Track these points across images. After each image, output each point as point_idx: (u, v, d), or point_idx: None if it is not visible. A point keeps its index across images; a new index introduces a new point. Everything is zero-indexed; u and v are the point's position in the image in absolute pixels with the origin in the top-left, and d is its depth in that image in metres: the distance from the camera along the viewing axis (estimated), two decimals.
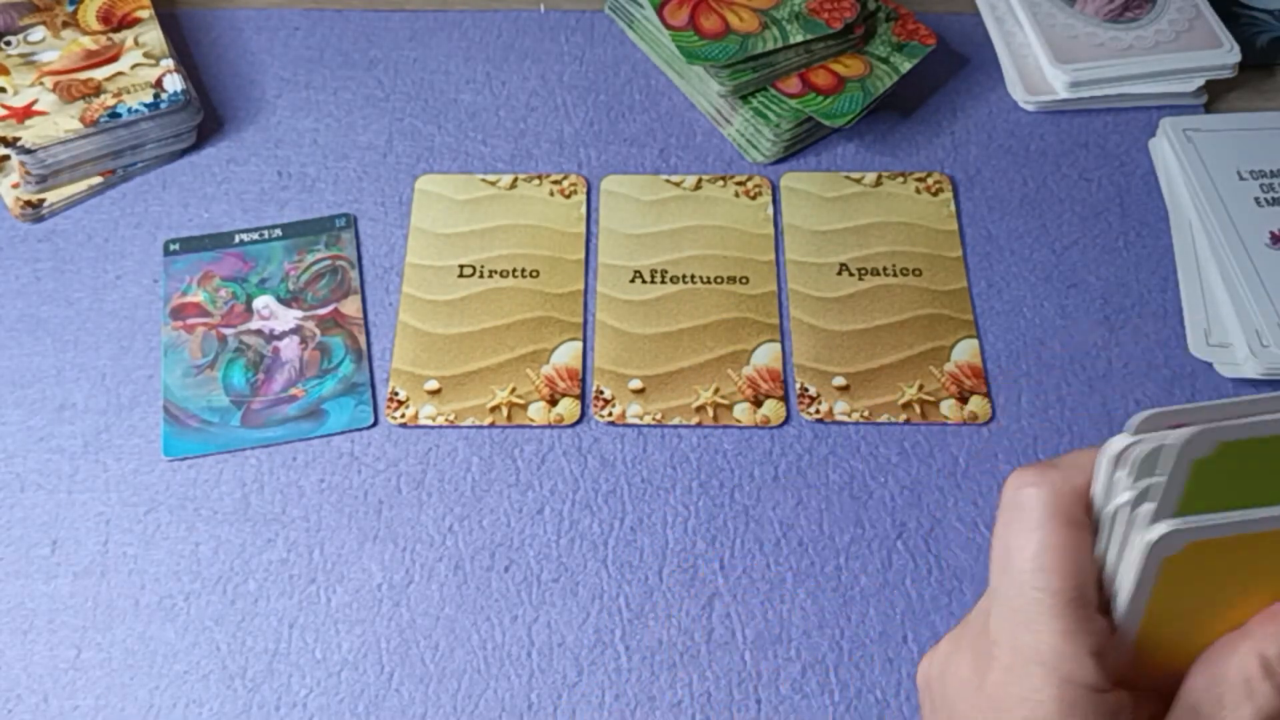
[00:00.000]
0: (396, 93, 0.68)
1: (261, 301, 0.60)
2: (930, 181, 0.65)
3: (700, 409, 0.56)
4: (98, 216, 0.63)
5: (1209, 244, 0.61)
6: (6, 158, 0.63)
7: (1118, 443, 0.27)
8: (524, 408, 0.56)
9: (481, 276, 0.61)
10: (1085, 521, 0.28)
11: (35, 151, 0.61)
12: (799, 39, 0.64)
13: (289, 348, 0.58)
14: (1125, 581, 0.28)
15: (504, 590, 0.52)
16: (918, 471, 0.55)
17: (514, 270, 0.61)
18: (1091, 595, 0.27)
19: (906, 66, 0.66)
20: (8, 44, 0.65)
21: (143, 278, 0.61)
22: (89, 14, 0.67)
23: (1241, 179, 0.63)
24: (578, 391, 0.57)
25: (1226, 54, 0.67)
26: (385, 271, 0.61)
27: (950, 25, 0.72)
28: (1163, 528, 0.27)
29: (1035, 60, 0.69)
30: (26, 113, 0.62)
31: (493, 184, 0.64)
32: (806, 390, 0.57)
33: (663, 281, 0.61)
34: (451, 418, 0.56)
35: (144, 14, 0.67)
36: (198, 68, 0.69)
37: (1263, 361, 0.56)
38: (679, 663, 0.50)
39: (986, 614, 0.29)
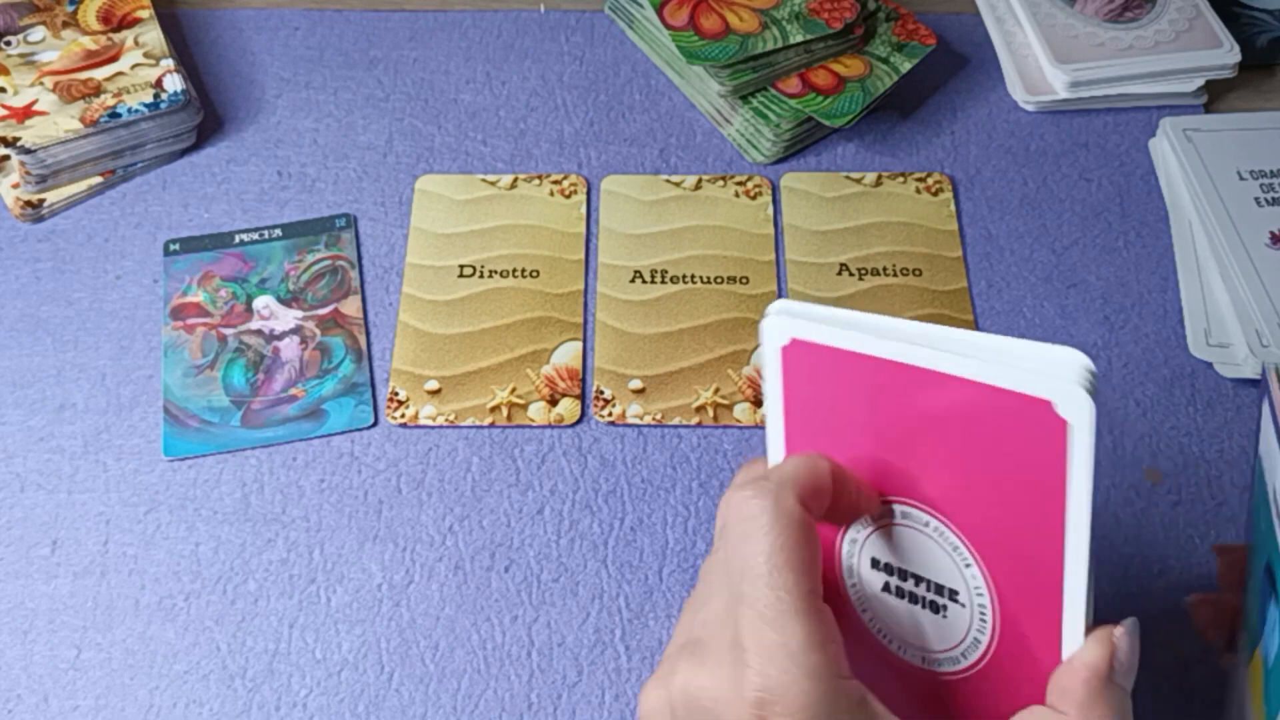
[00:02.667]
0: (396, 93, 0.68)
1: (261, 301, 0.60)
2: (930, 181, 0.65)
3: (700, 409, 0.56)
4: (98, 216, 0.63)
5: (1209, 244, 0.61)
6: (6, 158, 0.63)
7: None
8: (524, 408, 0.56)
9: (481, 276, 0.61)
10: (808, 520, 0.31)
11: (35, 151, 0.61)
12: (799, 39, 0.64)
13: (289, 348, 0.58)
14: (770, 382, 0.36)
15: (504, 590, 0.52)
16: None
17: (514, 270, 0.61)
18: (819, 586, 0.31)
19: (906, 66, 0.66)
20: (8, 44, 0.65)
21: (143, 278, 0.61)
22: (89, 14, 0.67)
23: (1241, 179, 0.63)
24: (578, 391, 0.57)
25: (1226, 54, 0.67)
26: (385, 271, 0.61)
27: (950, 25, 0.72)
28: (773, 310, 0.35)
29: (1035, 60, 0.69)
30: (26, 113, 0.62)
31: (493, 184, 0.64)
32: None
33: (663, 281, 0.61)
34: (451, 418, 0.56)
35: (144, 14, 0.67)
36: (198, 68, 0.69)
37: (1263, 361, 0.56)
38: None
39: (725, 624, 0.30)
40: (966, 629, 0.35)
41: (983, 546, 0.34)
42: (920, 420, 0.34)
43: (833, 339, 0.34)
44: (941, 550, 0.35)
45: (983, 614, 0.34)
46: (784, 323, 0.35)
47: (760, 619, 0.29)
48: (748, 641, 0.29)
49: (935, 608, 0.35)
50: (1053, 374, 0.31)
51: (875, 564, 0.36)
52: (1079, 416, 0.31)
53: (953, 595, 0.35)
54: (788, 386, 0.36)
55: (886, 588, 0.36)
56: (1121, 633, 0.31)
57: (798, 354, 0.35)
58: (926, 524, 0.35)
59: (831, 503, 0.33)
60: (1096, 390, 0.30)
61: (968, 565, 0.34)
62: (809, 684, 0.29)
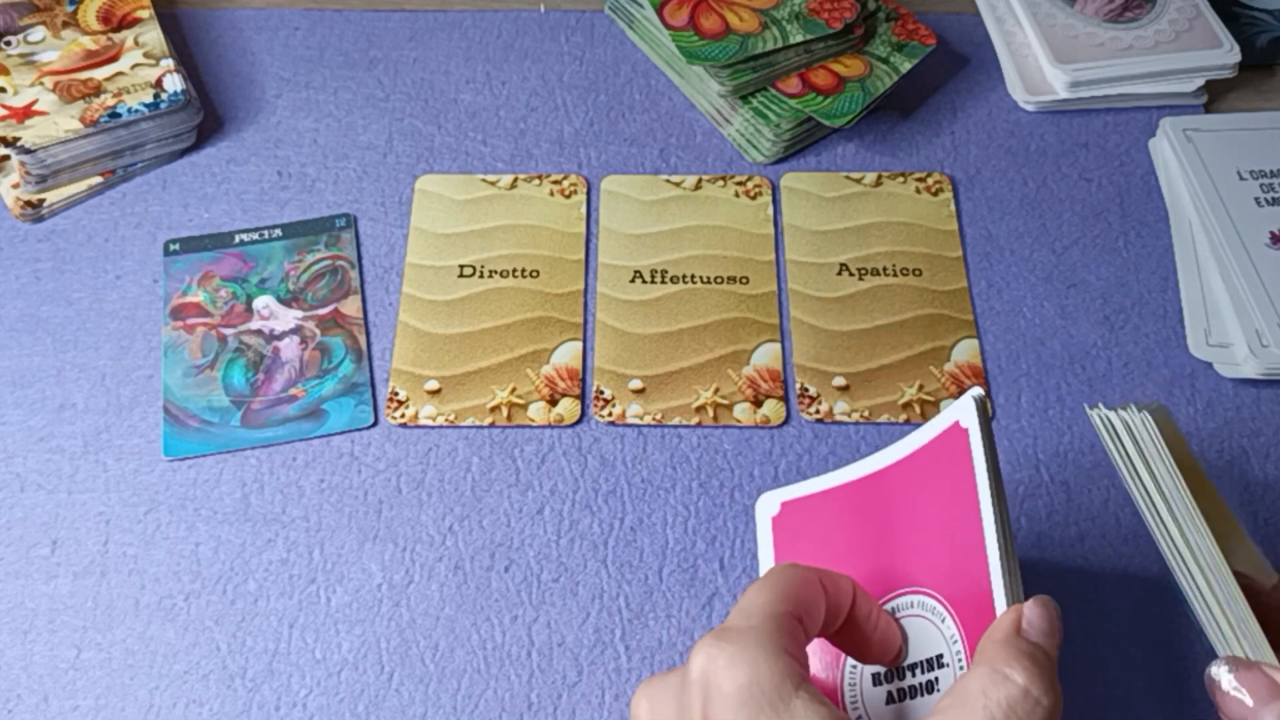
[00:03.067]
0: (396, 93, 0.68)
1: (261, 301, 0.60)
2: (930, 181, 0.65)
3: (700, 409, 0.56)
4: (98, 216, 0.63)
5: (1209, 244, 0.61)
6: (6, 158, 0.63)
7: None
8: (524, 408, 0.56)
9: (481, 276, 0.61)
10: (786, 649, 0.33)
11: (35, 151, 0.61)
12: (799, 39, 0.64)
13: (289, 348, 0.58)
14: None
15: (504, 590, 0.52)
16: None
17: (514, 270, 0.61)
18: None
19: (906, 66, 0.66)
20: (8, 44, 0.65)
21: (143, 278, 0.61)
22: (89, 14, 0.67)
23: (1241, 179, 0.63)
24: (578, 391, 0.57)
25: (1226, 54, 0.67)
26: (385, 271, 0.61)
27: (950, 25, 0.72)
28: (769, 492, 0.44)
29: (1035, 60, 0.69)
30: (26, 113, 0.62)
31: (493, 184, 0.64)
32: (806, 390, 0.57)
33: (663, 281, 0.61)
34: (451, 418, 0.56)
35: (144, 14, 0.67)
36: (198, 68, 0.69)
37: (1263, 361, 0.56)
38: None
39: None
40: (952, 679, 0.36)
41: (946, 590, 0.37)
42: (882, 516, 0.40)
43: (805, 490, 0.43)
44: (927, 621, 0.37)
45: (959, 658, 0.36)
46: (772, 498, 0.44)
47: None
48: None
49: (930, 687, 0.36)
50: (950, 407, 0.38)
51: (876, 679, 0.38)
52: (968, 416, 0.37)
53: (939, 662, 0.36)
54: (779, 547, 0.43)
55: (890, 698, 0.37)
56: (1030, 602, 0.34)
57: (785, 516, 0.43)
58: (912, 604, 0.38)
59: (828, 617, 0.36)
60: (985, 399, 0.37)
61: (943, 620, 0.36)
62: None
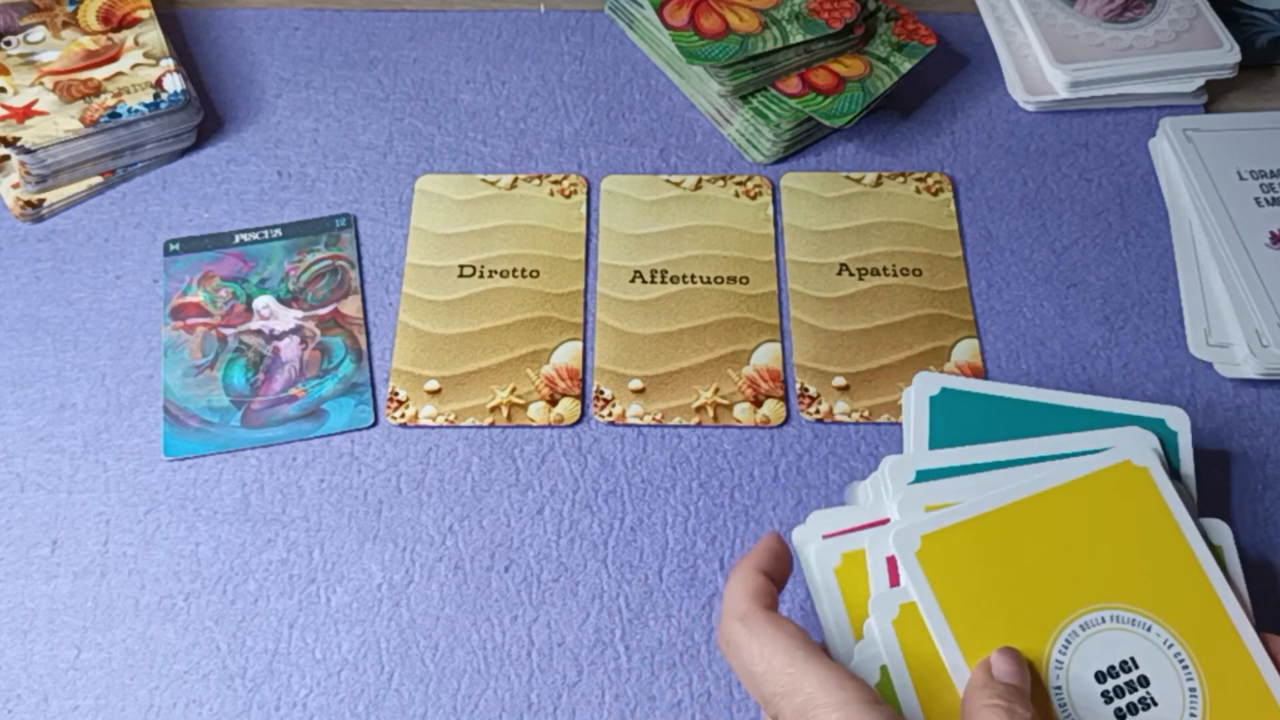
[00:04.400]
0: (396, 93, 0.68)
1: (261, 301, 0.60)
2: (930, 181, 0.65)
3: (700, 409, 0.56)
4: (98, 216, 0.63)
5: (1209, 244, 0.61)
6: (6, 158, 0.63)
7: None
8: (524, 408, 0.56)
9: (481, 276, 0.61)
10: (765, 615, 0.40)
11: (35, 151, 0.61)
12: (799, 39, 0.64)
13: (289, 348, 0.58)
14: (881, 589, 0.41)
15: (504, 590, 0.52)
16: None
17: (514, 270, 0.61)
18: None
19: (906, 66, 0.66)
20: (8, 44, 0.65)
21: (143, 278, 0.61)
22: (89, 14, 0.67)
23: (1241, 179, 0.63)
24: (578, 391, 0.57)
25: (1226, 54, 0.67)
26: (385, 271, 0.61)
27: (950, 25, 0.72)
28: (900, 526, 0.41)
29: (1035, 60, 0.69)
30: (26, 113, 0.62)
31: (493, 184, 0.64)
32: (806, 390, 0.57)
33: (663, 281, 0.61)
34: (451, 418, 0.56)
35: (144, 14, 0.67)
36: (198, 68, 0.69)
37: (1263, 361, 0.56)
38: (679, 663, 0.50)
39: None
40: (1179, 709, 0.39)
41: (1152, 603, 0.40)
42: (1052, 537, 0.41)
43: (947, 519, 0.41)
44: (1128, 632, 0.40)
45: (1180, 660, 0.40)
46: (907, 535, 0.41)
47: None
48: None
49: (1146, 704, 0.39)
50: (1115, 440, 0.43)
51: (1098, 676, 0.40)
52: (1143, 457, 0.43)
53: (1139, 664, 0.40)
54: (935, 579, 0.41)
55: (1106, 696, 0.40)
56: (995, 653, 0.39)
57: (931, 548, 0.41)
58: (1105, 619, 0.40)
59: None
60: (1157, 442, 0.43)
61: (1149, 628, 0.40)
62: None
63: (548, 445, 0.56)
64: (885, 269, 0.61)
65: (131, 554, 0.52)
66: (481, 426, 0.56)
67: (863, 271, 0.61)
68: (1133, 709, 0.39)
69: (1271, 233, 0.60)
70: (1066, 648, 0.40)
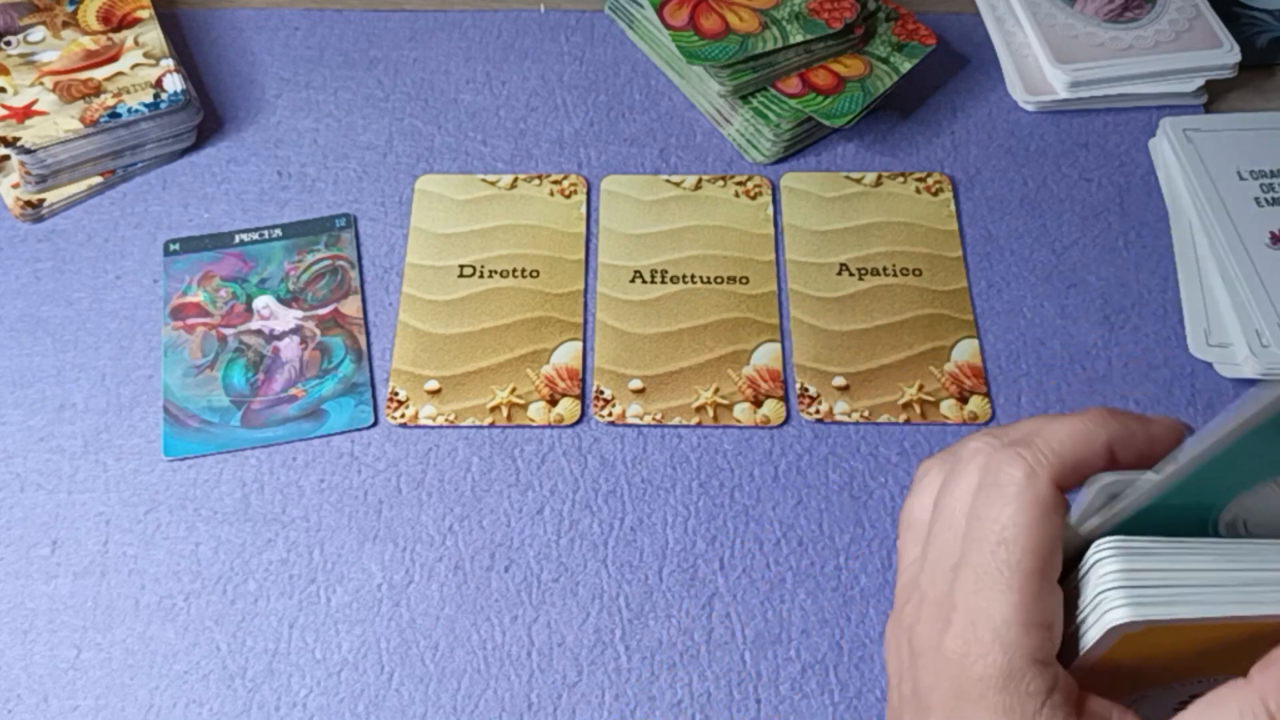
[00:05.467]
0: (396, 93, 0.68)
1: (261, 301, 0.60)
2: (930, 181, 0.65)
3: (700, 409, 0.56)
4: (98, 216, 0.63)
5: (1209, 244, 0.61)
6: (6, 158, 0.63)
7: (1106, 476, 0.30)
8: (524, 408, 0.56)
9: (481, 276, 0.61)
10: (1057, 501, 0.30)
11: (35, 151, 0.61)
12: (799, 39, 0.64)
13: (289, 348, 0.58)
14: (1089, 636, 0.30)
15: (504, 590, 0.52)
16: None
17: (514, 270, 0.61)
18: (1054, 570, 0.29)
19: (906, 66, 0.66)
20: (8, 44, 0.65)
21: (143, 278, 0.61)
22: (89, 14, 0.67)
23: (1241, 179, 0.63)
24: (578, 391, 0.57)
25: (1226, 54, 0.67)
26: (385, 271, 0.61)
27: (950, 25, 0.72)
28: (1123, 615, 0.28)
29: (1035, 60, 0.69)
30: (26, 113, 0.62)
31: (493, 184, 0.64)
32: (806, 390, 0.57)
33: (663, 281, 0.61)
34: (451, 418, 0.56)
35: (144, 14, 0.67)
36: (198, 68, 0.69)
37: (1263, 361, 0.56)
38: (679, 663, 0.50)
39: (945, 578, 0.31)
40: None
41: None
42: None
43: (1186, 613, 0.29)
44: None
45: None
46: (1122, 607, 0.29)
47: (976, 585, 0.29)
48: (959, 602, 0.30)
49: None
50: None
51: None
52: None
53: None
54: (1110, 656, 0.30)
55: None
56: None
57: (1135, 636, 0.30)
58: None
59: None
60: None
61: None
62: (1000, 657, 0.29)
63: (548, 445, 0.56)
64: (885, 269, 0.61)
65: (131, 554, 0.52)
66: (481, 426, 0.56)
67: (863, 271, 0.61)
68: None
69: (1271, 233, 0.60)
70: None
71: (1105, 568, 0.29)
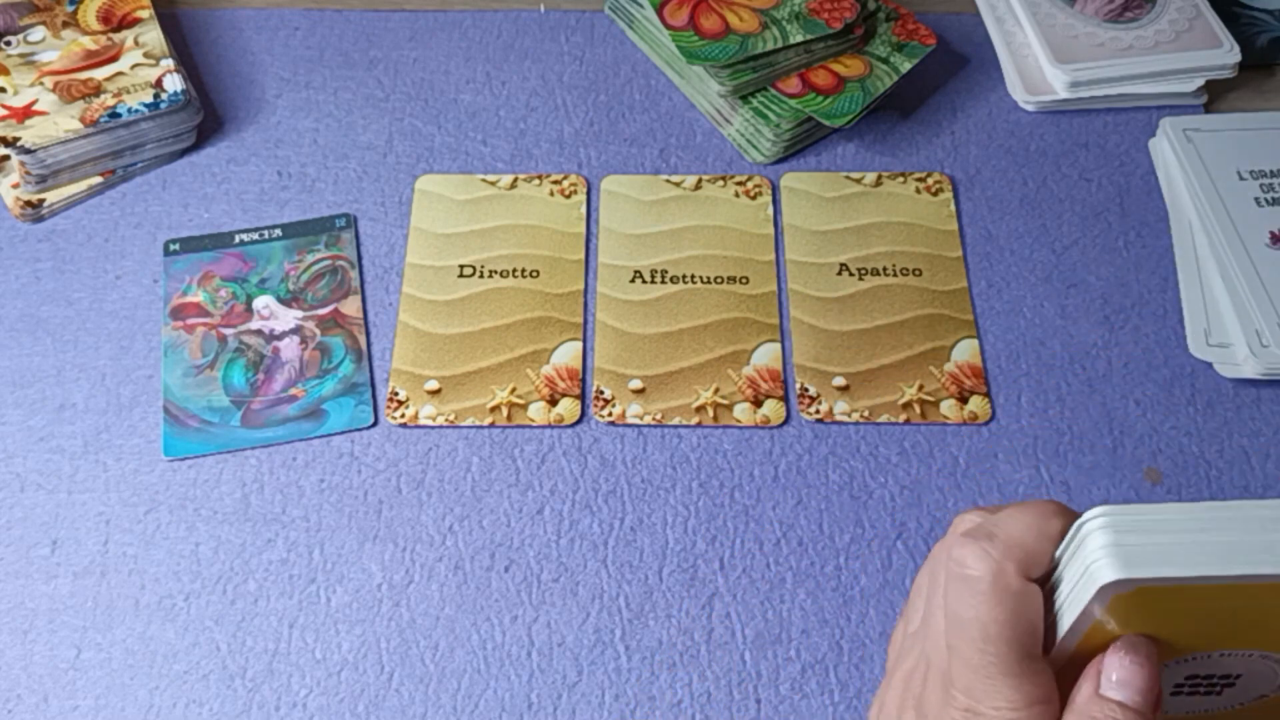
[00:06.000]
0: (396, 93, 0.68)
1: (261, 301, 0.60)
2: (930, 181, 0.65)
3: (700, 409, 0.56)
4: (98, 216, 0.63)
5: (1209, 244, 0.61)
6: (6, 158, 0.63)
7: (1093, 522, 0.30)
8: (524, 408, 0.56)
9: (481, 276, 0.61)
10: (1023, 587, 0.31)
11: (35, 151, 0.61)
12: (799, 39, 0.64)
13: (289, 348, 0.58)
14: (1069, 612, 0.31)
15: (504, 590, 0.52)
16: (918, 471, 0.55)
17: (514, 270, 0.61)
18: (1037, 649, 0.31)
19: (906, 66, 0.66)
20: (8, 44, 0.65)
21: (143, 278, 0.61)
22: (89, 14, 0.67)
23: (1241, 179, 0.63)
24: (578, 391, 0.57)
25: (1226, 54, 0.67)
26: (385, 271, 0.61)
27: (950, 25, 0.72)
28: (1112, 573, 0.29)
29: (1035, 60, 0.69)
30: (26, 113, 0.62)
31: (493, 184, 0.64)
32: (806, 390, 0.57)
33: (663, 281, 0.61)
34: (451, 418, 0.56)
35: (144, 14, 0.67)
36: (198, 68, 0.69)
37: (1263, 361, 0.56)
38: (679, 663, 0.50)
39: (939, 654, 0.33)
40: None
41: None
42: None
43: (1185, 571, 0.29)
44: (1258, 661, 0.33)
45: None
46: (1111, 563, 0.29)
47: (971, 672, 0.31)
48: (959, 683, 0.31)
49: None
50: None
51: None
52: None
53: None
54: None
55: (1177, 689, 0.34)
56: (1111, 649, 0.31)
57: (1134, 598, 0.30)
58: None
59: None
60: None
61: None
62: None
63: (548, 445, 0.56)
64: (885, 269, 0.61)
65: (131, 554, 0.52)
66: (481, 426, 0.56)
67: (863, 271, 0.61)
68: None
69: (1271, 233, 0.60)
70: None
71: (1094, 541, 0.29)
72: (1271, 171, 0.63)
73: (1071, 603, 0.30)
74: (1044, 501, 0.32)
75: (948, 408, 0.57)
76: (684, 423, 0.56)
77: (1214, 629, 0.31)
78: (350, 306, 0.60)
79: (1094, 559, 0.29)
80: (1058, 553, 0.31)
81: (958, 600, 0.31)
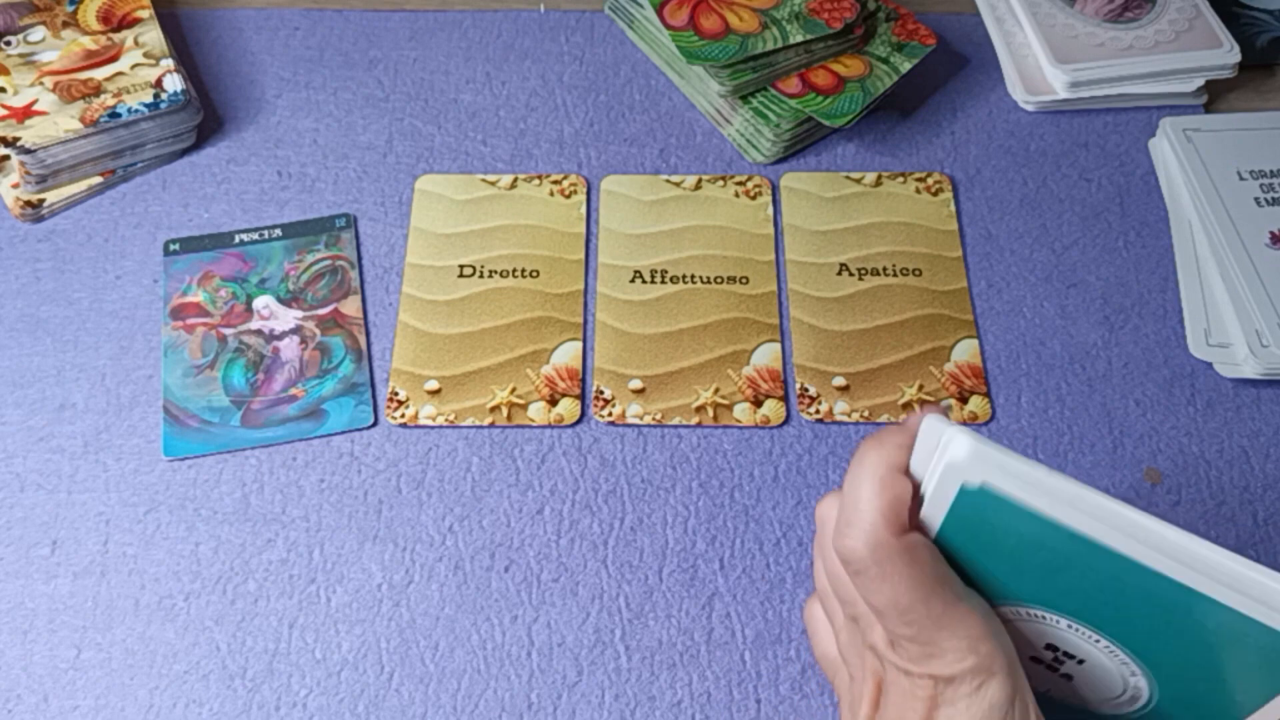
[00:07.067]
0: (396, 93, 0.68)
1: (261, 301, 0.60)
2: (930, 181, 0.65)
3: (700, 409, 0.56)
4: (98, 216, 0.63)
5: (1209, 244, 0.61)
6: (6, 158, 0.63)
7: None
8: (524, 408, 0.56)
9: (481, 276, 0.61)
10: (905, 538, 0.34)
11: (35, 151, 0.61)
12: (799, 39, 0.64)
13: (289, 348, 0.58)
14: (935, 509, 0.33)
15: (504, 590, 0.52)
16: None
17: (514, 270, 0.61)
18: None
19: (906, 66, 0.66)
20: (8, 44, 0.65)
21: (143, 278, 0.61)
22: (89, 14, 0.67)
23: (1241, 179, 0.63)
24: (578, 391, 0.57)
25: (1226, 54, 0.67)
26: (385, 271, 0.61)
27: (950, 25, 0.72)
28: (965, 446, 0.32)
29: (1035, 60, 0.69)
30: (26, 113, 0.62)
31: (493, 184, 0.64)
32: (806, 390, 0.57)
33: (663, 281, 0.61)
34: (451, 418, 0.56)
35: (144, 14, 0.67)
36: (198, 68, 0.69)
37: (1263, 361, 0.56)
38: (679, 663, 0.50)
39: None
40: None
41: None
42: (1126, 599, 0.32)
43: (1041, 506, 0.31)
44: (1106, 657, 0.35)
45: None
46: (978, 464, 0.31)
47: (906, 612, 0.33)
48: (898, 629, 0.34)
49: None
50: None
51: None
52: None
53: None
54: (950, 523, 0.33)
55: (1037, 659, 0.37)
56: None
57: (983, 500, 0.32)
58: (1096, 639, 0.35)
59: None
60: None
61: (1133, 674, 0.35)
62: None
63: (548, 445, 0.56)
64: (885, 269, 0.61)
65: (131, 554, 0.52)
66: (481, 426, 0.56)
67: (863, 271, 0.61)
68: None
69: (1271, 233, 0.60)
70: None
71: (959, 439, 0.32)
72: (1271, 171, 0.63)
73: (935, 499, 0.33)
74: (875, 455, 0.34)
75: (948, 408, 0.57)
76: (684, 423, 0.56)
77: (1043, 577, 0.33)
78: (350, 306, 0.60)
79: (952, 444, 0.32)
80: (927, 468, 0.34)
81: (870, 593, 0.34)
